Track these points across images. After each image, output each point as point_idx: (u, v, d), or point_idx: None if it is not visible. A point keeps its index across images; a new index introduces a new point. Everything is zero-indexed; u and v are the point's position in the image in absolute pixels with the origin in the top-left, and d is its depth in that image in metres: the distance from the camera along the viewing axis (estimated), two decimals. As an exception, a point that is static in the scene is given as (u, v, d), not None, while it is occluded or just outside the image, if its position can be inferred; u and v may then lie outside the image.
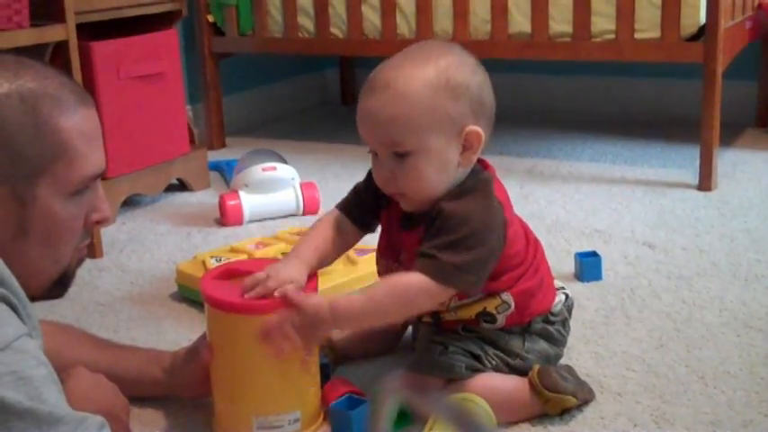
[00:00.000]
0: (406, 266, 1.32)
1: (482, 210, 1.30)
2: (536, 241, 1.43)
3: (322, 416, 1.37)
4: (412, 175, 1.29)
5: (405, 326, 1.59)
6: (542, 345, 1.41)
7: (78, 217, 1.10)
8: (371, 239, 2.12)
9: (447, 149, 1.29)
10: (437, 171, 1.29)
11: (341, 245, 1.43)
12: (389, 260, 1.41)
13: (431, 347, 1.37)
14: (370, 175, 1.40)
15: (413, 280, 1.27)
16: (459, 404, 0.51)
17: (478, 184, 1.33)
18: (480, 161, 1.37)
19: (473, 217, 1.28)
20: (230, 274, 1.38)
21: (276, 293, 1.26)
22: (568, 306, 1.47)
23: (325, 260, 1.41)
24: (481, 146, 1.30)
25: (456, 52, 1.32)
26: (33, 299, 1.12)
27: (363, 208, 1.44)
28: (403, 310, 1.32)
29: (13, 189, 1.03)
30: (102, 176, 1.14)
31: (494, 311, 1.37)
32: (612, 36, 2.49)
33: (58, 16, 2.02)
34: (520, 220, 1.41)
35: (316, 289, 1.34)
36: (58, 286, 1.14)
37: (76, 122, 1.07)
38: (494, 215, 1.31)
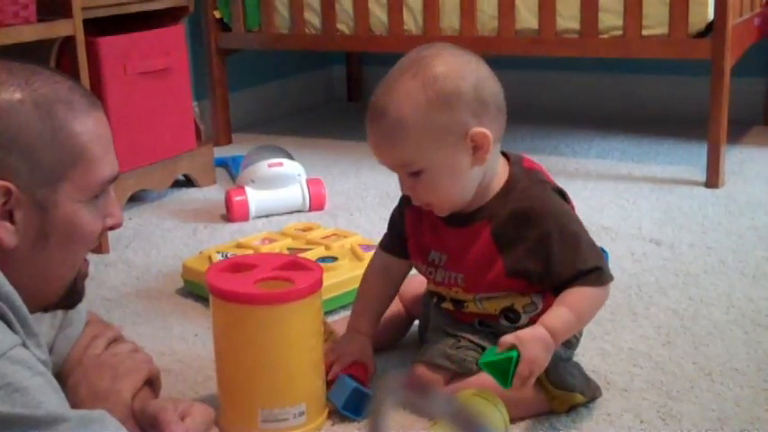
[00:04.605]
0: (453, 265, 1.37)
1: (564, 209, 1.34)
2: None
3: (327, 409, 1.37)
4: (430, 190, 1.31)
5: (410, 320, 1.59)
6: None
7: (96, 221, 1.09)
8: (377, 234, 2.12)
9: (455, 158, 1.29)
10: (453, 180, 1.30)
11: (393, 288, 1.50)
12: (419, 261, 1.43)
13: (443, 339, 1.38)
14: (400, 199, 1.44)
15: (596, 293, 1.32)
16: (463, 403, 0.51)
17: (540, 183, 1.35)
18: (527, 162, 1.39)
19: (571, 223, 1.33)
20: (235, 267, 1.38)
21: None
22: None
23: (383, 313, 1.50)
24: (491, 142, 1.29)
25: (442, 58, 1.28)
26: (47, 309, 1.12)
27: (402, 237, 1.46)
28: (590, 319, 1.36)
29: (32, 196, 1.02)
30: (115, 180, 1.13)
31: (519, 309, 1.37)
32: (620, 32, 2.48)
33: (64, 11, 2.02)
34: None
35: (321, 284, 1.34)
36: (70, 294, 1.13)
37: (90, 126, 1.06)
38: (566, 206, 1.36)
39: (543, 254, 1.31)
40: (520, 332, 1.25)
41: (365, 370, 1.41)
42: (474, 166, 1.30)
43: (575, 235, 1.32)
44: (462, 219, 1.36)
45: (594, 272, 1.31)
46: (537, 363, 1.23)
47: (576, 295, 1.30)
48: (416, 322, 1.59)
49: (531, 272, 1.32)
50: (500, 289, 1.36)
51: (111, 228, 1.14)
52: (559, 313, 1.28)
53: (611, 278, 1.33)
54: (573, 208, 1.38)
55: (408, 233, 1.44)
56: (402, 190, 1.35)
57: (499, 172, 1.35)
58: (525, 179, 1.35)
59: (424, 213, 1.38)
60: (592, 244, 1.33)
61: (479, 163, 1.30)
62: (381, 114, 1.28)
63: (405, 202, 1.43)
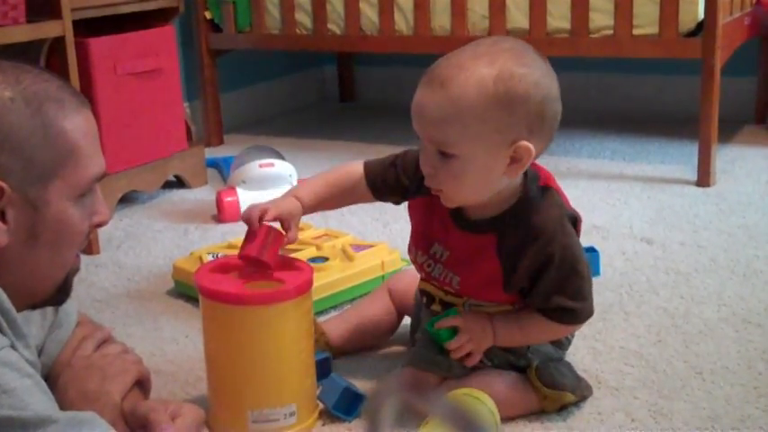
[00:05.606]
0: (452, 265, 1.35)
1: (576, 242, 1.33)
2: None
3: (318, 409, 1.37)
4: (453, 178, 1.26)
5: (399, 318, 1.58)
6: (548, 348, 1.41)
7: (85, 219, 1.09)
8: (369, 235, 2.13)
9: (493, 160, 1.24)
10: (479, 178, 1.26)
11: (348, 199, 1.47)
12: (420, 251, 1.39)
13: (432, 344, 1.37)
14: (416, 165, 1.35)
15: (558, 328, 1.35)
16: (459, 404, 0.51)
17: (557, 207, 1.33)
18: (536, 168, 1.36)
19: (578, 257, 1.31)
20: (225, 268, 1.38)
21: None
22: None
23: (325, 206, 1.47)
24: (531, 160, 1.26)
25: (525, 59, 1.24)
26: (35, 306, 1.12)
27: (391, 184, 1.41)
28: (537, 343, 1.40)
29: (25, 195, 1.02)
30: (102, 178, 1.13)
31: None
32: (611, 32, 2.48)
33: (54, 12, 2.02)
34: None
35: (311, 284, 1.34)
36: (60, 292, 1.13)
37: (79, 124, 1.07)
38: (578, 241, 1.35)
39: (536, 277, 1.30)
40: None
41: (287, 226, 1.39)
42: (503, 176, 1.27)
43: (573, 272, 1.30)
44: (471, 224, 1.33)
45: (569, 312, 1.32)
46: (476, 336, 1.32)
47: (537, 325, 1.34)
48: (406, 320, 1.58)
49: (524, 289, 1.33)
50: (493, 300, 1.35)
51: (99, 225, 1.14)
52: (511, 329, 1.34)
53: (584, 320, 1.35)
54: (580, 228, 1.37)
55: (412, 216, 1.42)
56: (422, 166, 1.29)
57: (516, 185, 1.32)
58: (542, 200, 1.32)
59: (437, 207, 1.34)
60: (584, 281, 1.32)
61: (510, 175, 1.27)
62: (443, 85, 1.21)
63: (420, 186, 1.35)
